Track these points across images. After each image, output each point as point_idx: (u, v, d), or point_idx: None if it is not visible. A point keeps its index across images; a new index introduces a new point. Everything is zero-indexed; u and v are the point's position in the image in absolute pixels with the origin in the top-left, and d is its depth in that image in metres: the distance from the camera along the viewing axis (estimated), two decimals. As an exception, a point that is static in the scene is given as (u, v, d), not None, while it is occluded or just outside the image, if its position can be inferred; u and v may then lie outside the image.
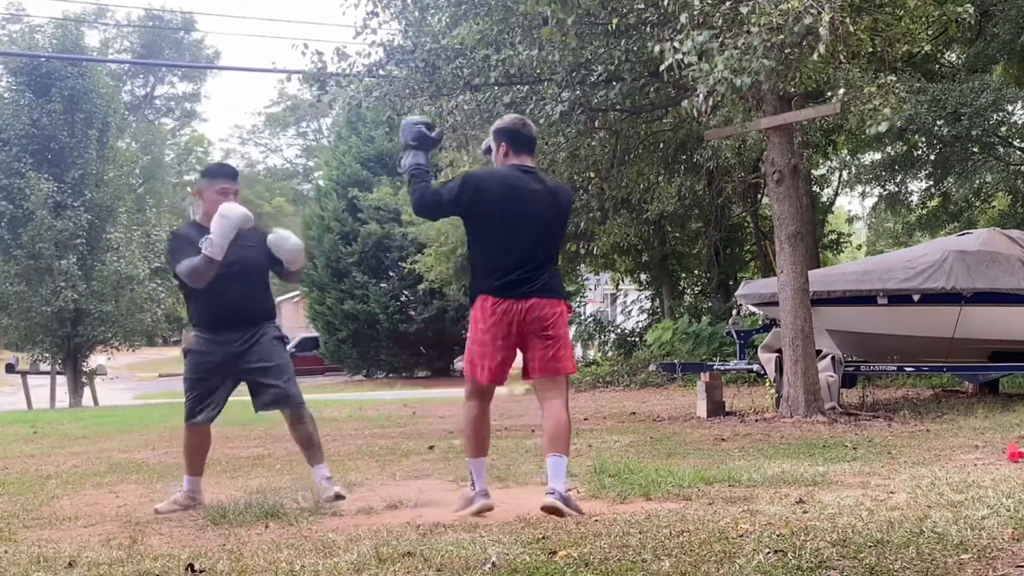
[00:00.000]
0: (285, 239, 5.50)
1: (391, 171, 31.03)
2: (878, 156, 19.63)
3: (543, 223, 5.03)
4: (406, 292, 31.11)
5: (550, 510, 4.61)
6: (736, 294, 13.30)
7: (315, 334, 35.59)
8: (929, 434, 8.19)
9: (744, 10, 8.11)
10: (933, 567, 3.40)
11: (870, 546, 3.69)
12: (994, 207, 20.34)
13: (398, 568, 3.63)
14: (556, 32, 9.73)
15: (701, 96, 8.43)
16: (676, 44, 8.34)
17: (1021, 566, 3.39)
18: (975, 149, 16.83)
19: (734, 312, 15.19)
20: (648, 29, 9.59)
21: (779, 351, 10.40)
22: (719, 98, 8.61)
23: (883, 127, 8.52)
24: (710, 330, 17.29)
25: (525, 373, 5.03)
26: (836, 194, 23.57)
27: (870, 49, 9.69)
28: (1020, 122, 16.80)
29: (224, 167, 5.96)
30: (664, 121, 13.11)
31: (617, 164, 13.16)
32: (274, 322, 5.71)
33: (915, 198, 20.05)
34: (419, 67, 10.70)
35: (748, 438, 8.41)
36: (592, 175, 13.34)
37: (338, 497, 5.28)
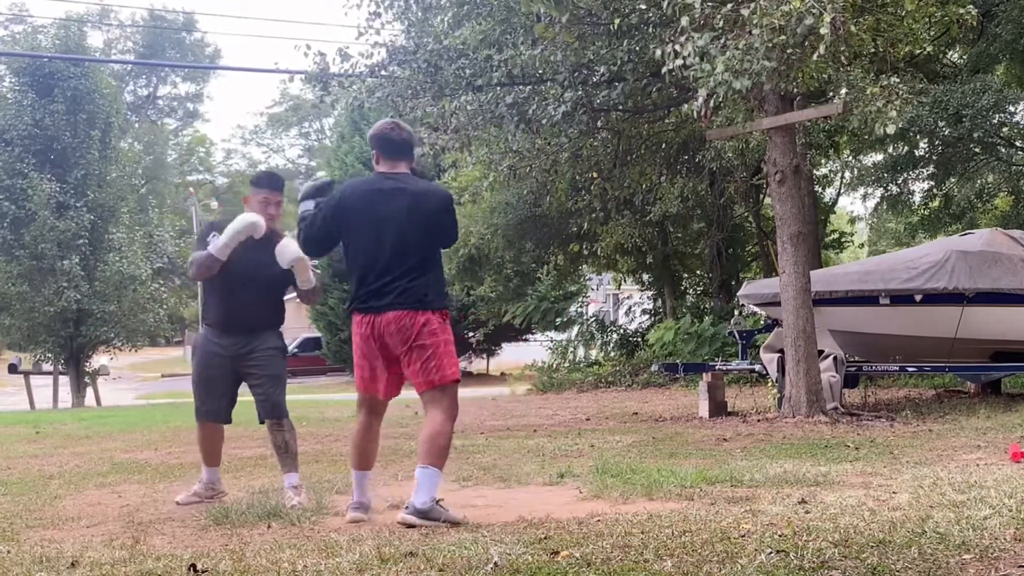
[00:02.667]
0: (284, 247, 5.51)
1: (393, 171, 30.99)
2: (880, 157, 19.61)
3: (403, 230, 4.83)
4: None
5: (404, 525, 4.59)
6: (738, 294, 13.28)
7: (317, 334, 35.59)
8: (931, 434, 8.18)
9: (745, 12, 8.11)
10: (935, 567, 3.40)
11: (872, 546, 3.70)
12: (996, 208, 20.32)
13: (400, 568, 3.64)
14: (551, 30, 9.74)
15: (701, 99, 8.43)
16: (677, 47, 8.34)
17: (1023, 566, 3.39)
18: (977, 150, 16.82)
19: (736, 312, 15.19)
20: (650, 30, 9.59)
21: (781, 351, 10.39)
22: (720, 100, 8.61)
23: (890, 129, 8.51)
24: (712, 330, 17.28)
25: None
26: (838, 194, 23.57)
27: (872, 50, 9.68)
28: (1022, 123, 16.79)
29: (269, 177, 6.01)
30: (666, 121, 13.11)
31: (619, 164, 13.15)
32: (277, 332, 5.76)
33: (917, 199, 20.03)
34: (421, 68, 10.70)
35: (750, 438, 8.41)
36: (594, 175, 13.35)
37: (297, 507, 5.21)
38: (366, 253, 4.86)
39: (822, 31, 7.76)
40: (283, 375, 5.71)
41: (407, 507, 4.68)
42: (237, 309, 5.59)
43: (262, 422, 5.66)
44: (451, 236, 5.13)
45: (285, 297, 5.91)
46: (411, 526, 4.56)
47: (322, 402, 18.86)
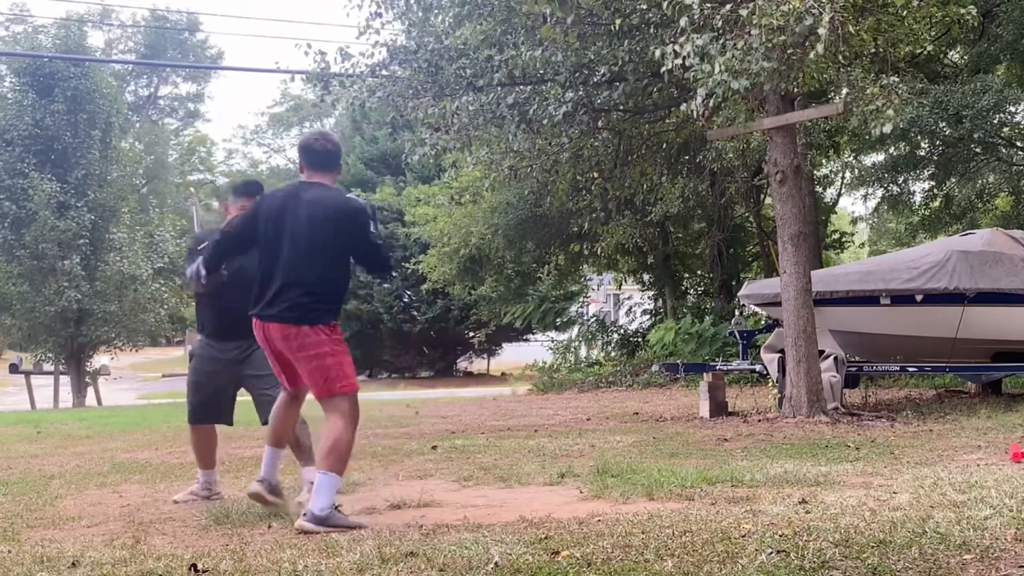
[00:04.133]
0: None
1: (394, 171, 31.05)
2: (881, 157, 19.60)
3: (305, 241, 4.80)
4: (409, 292, 31.13)
5: (303, 532, 4.57)
6: (739, 294, 13.28)
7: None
8: (932, 434, 8.18)
9: (744, 12, 8.11)
10: (936, 567, 3.41)
11: (873, 546, 3.70)
12: (996, 208, 20.31)
13: (401, 568, 3.64)
14: (556, 31, 9.73)
15: (700, 98, 8.43)
16: (676, 48, 8.34)
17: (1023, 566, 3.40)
18: (977, 150, 16.81)
19: (737, 312, 15.20)
20: (651, 30, 9.58)
21: (782, 351, 10.39)
22: (719, 100, 8.60)
23: (887, 128, 8.51)
24: (713, 330, 17.28)
25: None
26: (839, 194, 23.56)
27: (872, 50, 9.68)
28: (1022, 123, 16.77)
29: (249, 186, 6.05)
30: (667, 122, 13.11)
31: (620, 164, 13.15)
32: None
33: (918, 199, 20.03)
34: (422, 67, 10.70)
35: (751, 438, 8.41)
36: (595, 175, 13.34)
37: (299, 504, 5.18)
38: (268, 259, 4.88)
39: (821, 31, 7.76)
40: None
41: (304, 514, 4.64)
42: (229, 314, 5.57)
43: (265, 423, 5.63)
44: (369, 255, 5.05)
45: None
46: (308, 533, 4.52)
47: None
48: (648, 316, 22.79)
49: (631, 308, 23.59)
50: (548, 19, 9.76)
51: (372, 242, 4.99)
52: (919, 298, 10.74)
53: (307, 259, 4.80)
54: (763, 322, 13.40)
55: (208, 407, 5.80)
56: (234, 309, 5.47)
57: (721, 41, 8.22)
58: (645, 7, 9.39)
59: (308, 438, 5.71)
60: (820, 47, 7.88)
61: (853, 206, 58.31)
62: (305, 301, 4.77)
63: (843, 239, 23.43)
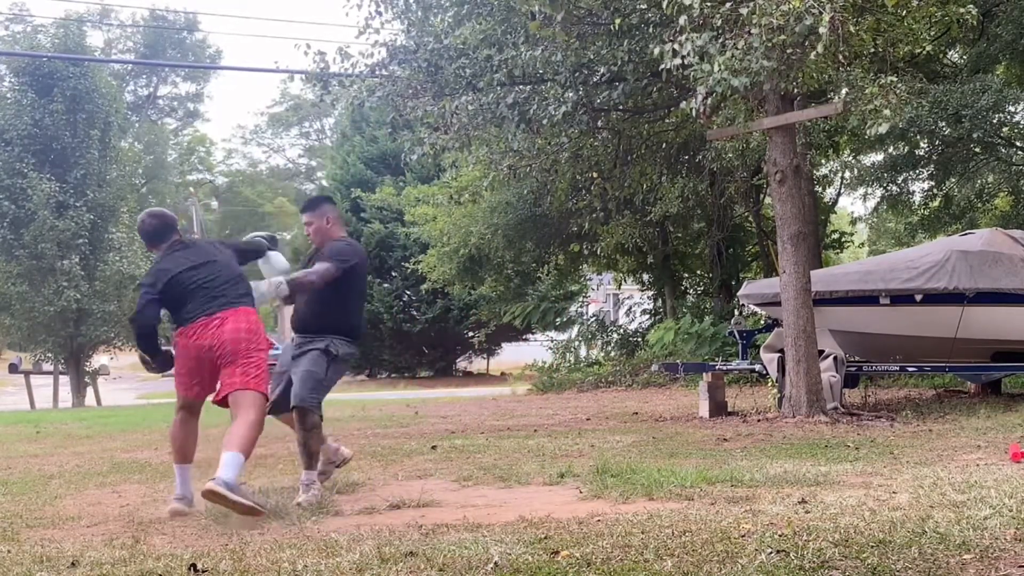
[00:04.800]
0: (264, 280, 6.01)
1: (394, 171, 31.03)
2: (880, 157, 19.60)
3: (197, 274, 5.55)
4: (409, 292, 31.13)
5: (205, 494, 4.85)
6: (738, 294, 13.28)
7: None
8: (931, 434, 8.18)
9: (744, 11, 8.11)
10: (935, 567, 3.40)
11: (872, 546, 3.70)
12: (996, 208, 20.30)
13: (400, 568, 3.64)
14: (546, 28, 9.72)
15: (699, 97, 8.43)
16: (676, 47, 8.34)
17: (1023, 566, 3.39)
18: (977, 150, 16.80)
19: (736, 312, 15.19)
20: (651, 30, 9.58)
21: (781, 351, 10.39)
22: (719, 99, 8.60)
23: (883, 128, 8.51)
24: (712, 330, 17.28)
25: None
26: (838, 194, 23.55)
27: (872, 49, 9.68)
28: (1022, 123, 16.77)
29: (306, 201, 6.57)
30: (667, 121, 13.10)
31: (620, 164, 13.15)
32: (333, 336, 6.00)
33: (917, 198, 20.01)
34: (422, 67, 10.70)
35: (750, 438, 8.41)
36: (595, 175, 13.34)
37: (297, 506, 5.35)
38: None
39: (821, 31, 7.76)
40: (318, 375, 5.86)
41: (215, 479, 4.87)
42: (296, 314, 6.17)
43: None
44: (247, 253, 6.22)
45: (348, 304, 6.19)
46: (216, 494, 4.77)
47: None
48: (648, 316, 22.79)
49: (631, 308, 23.59)
50: (537, 16, 9.75)
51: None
52: (919, 298, 10.74)
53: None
54: (763, 322, 13.39)
55: (281, 392, 6.05)
56: (299, 311, 6.14)
57: (721, 40, 8.22)
58: (644, 7, 9.39)
59: (315, 445, 5.82)
60: (820, 47, 7.88)
61: (852, 206, 58.35)
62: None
63: (843, 239, 23.42)
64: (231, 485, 4.84)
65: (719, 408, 10.75)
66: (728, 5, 8.28)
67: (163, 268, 5.58)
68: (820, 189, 20.07)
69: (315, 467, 5.74)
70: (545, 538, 4.09)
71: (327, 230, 6.24)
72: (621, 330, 22.47)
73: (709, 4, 8.30)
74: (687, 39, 8.25)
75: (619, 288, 25.40)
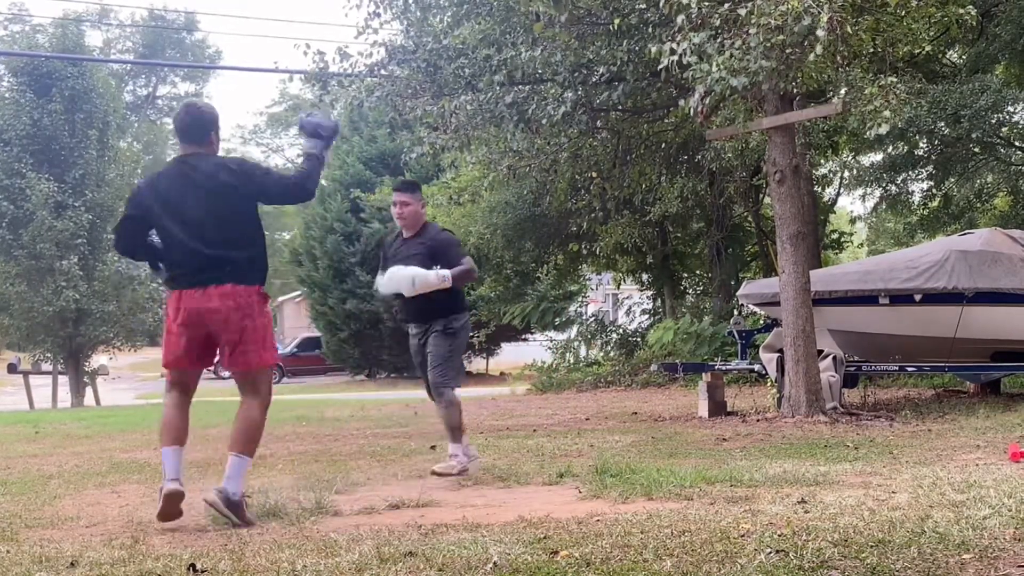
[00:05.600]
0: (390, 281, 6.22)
1: (394, 171, 30.99)
2: (879, 157, 19.61)
3: (198, 211, 4.90)
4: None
5: (207, 502, 4.76)
6: (738, 294, 13.27)
7: (317, 334, 35.58)
8: (931, 434, 8.18)
9: (743, 11, 8.11)
10: (935, 567, 3.40)
11: (872, 546, 3.70)
12: (995, 207, 20.32)
13: (400, 568, 3.64)
14: (549, 29, 9.72)
15: (698, 96, 8.42)
16: (674, 46, 8.34)
17: (1023, 566, 3.39)
18: (976, 150, 16.81)
19: (736, 312, 15.18)
20: (650, 30, 9.58)
21: (781, 351, 10.39)
22: (717, 98, 8.59)
23: (883, 129, 8.51)
24: (712, 330, 17.27)
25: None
26: (837, 194, 23.56)
27: (871, 49, 9.68)
28: (1021, 123, 16.78)
29: (398, 182, 6.83)
30: (666, 121, 13.10)
31: (619, 164, 13.15)
32: (447, 317, 6.34)
33: (916, 198, 20.03)
34: (421, 67, 10.70)
35: (750, 438, 8.41)
36: (594, 175, 13.34)
37: (457, 471, 6.06)
38: (169, 237, 5.04)
39: (819, 31, 7.76)
40: (446, 353, 6.33)
41: (219, 490, 4.78)
42: (407, 304, 6.35)
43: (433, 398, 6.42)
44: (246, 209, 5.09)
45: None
46: (213, 505, 4.72)
47: (322, 402, 18.86)
48: (647, 316, 22.79)
49: (631, 308, 23.57)
50: (541, 17, 9.75)
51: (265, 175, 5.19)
52: (918, 298, 10.74)
53: (219, 225, 4.90)
54: (762, 322, 13.39)
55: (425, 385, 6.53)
56: (410, 301, 6.29)
57: (719, 40, 8.22)
58: (644, 7, 9.39)
59: (457, 419, 6.37)
60: (819, 47, 7.88)
61: (852, 205, 58.29)
62: (232, 265, 4.92)
63: (842, 239, 23.43)
64: (233, 502, 4.77)
65: (718, 408, 10.75)
66: (727, 5, 8.28)
67: None
68: (819, 189, 20.08)
69: (459, 440, 6.31)
70: (544, 538, 4.08)
71: (421, 214, 6.45)
72: (620, 330, 22.46)
73: (707, 4, 8.31)
74: (684, 38, 8.25)
75: (618, 288, 25.39)
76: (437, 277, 6.07)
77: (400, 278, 6.17)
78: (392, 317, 30.73)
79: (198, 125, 5.10)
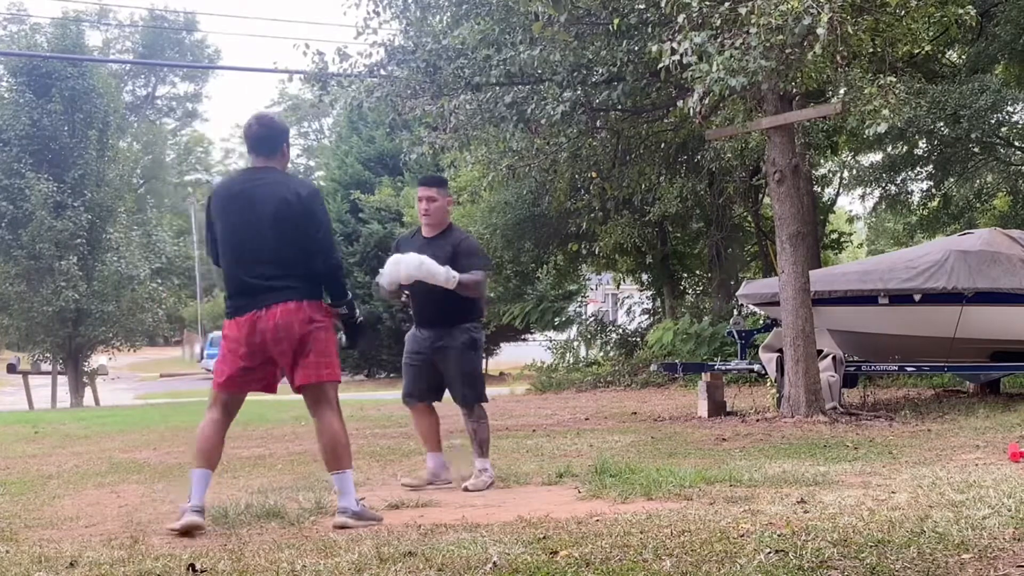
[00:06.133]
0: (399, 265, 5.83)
1: (392, 171, 31.01)
2: (879, 157, 19.61)
3: (261, 227, 4.76)
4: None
5: (340, 527, 4.67)
6: (737, 294, 13.27)
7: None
8: (930, 434, 8.18)
9: (743, 11, 8.11)
10: (934, 567, 3.40)
11: (871, 546, 3.69)
12: (995, 208, 20.32)
13: (399, 568, 3.63)
14: (548, 29, 9.73)
15: (697, 96, 8.42)
16: (675, 46, 8.34)
17: (1022, 566, 3.39)
18: (975, 150, 16.81)
19: (735, 312, 15.17)
20: (649, 30, 9.58)
21: (780, 351, 10.39)
22: (716, 98, 8.59)
23: (882, 128, 8.52)
24: (711, 330, 17.26)
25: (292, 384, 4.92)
26: (837, 194, 23.57)
27: (871, 49, 9.68)
28: (1021, 123, 16.78)
29: (425, 176, 6.49)
30: (666, 121, 13.10)
31: (618, 164, 13.14)
32: (466, 324, 6.00)
33: (916, 198, 20.03)
34: (420, 67, 10.69)
35: (749, 438, 8.41)
36: (593, 175, 13.33)
37: (488, 486, 5.83)
38: (232, 252, 4.91)
39: (819, 31, 7.76)
40: (476, 367, 6.12)
41: (343, 511, 4.76)
42: (424, 305, 6.01)
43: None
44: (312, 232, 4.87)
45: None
46: (347, 527, 4.64)
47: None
48: (647, 316, 22.79)
49: (631, 307, 23.57)
50: (540, 17, 9.75)
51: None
52: (917, 298, 10.73)
53: (283, 244, 4.79)
54: (761, 322, 13.39)
55: (410, 386, 6.14)
56: (423, 300, 5.99)
57: (719, 40, 8.22)
58: (643, 6, 9.39)
59: (484, 432, 6.05)
60: (818, 47, 7.88)
61: (851, 205, 58.33)
62: (295, 283, 4.83)
63: (841, 239, 23.44)
64: (358, 512, 4.79)
65: (718, 408, 10.75)
66: (727, 4, 8.28)
67: None
68: (819, 189, 20.08)
69: (487, 454, 6.02)
70: (544, 538, 4.08)
71: (446, 213, 6.12)
72: (620, 330, 22.46)
73: (708, 3, 8.30)
74: (685, 37, 8.25)
75: (618, 288, 25.39)
76: (446, 273, 5.71)
77: (407, 262, 5.80)
78: (392, 317, 30.74)
79: (270, 137, 4.98)
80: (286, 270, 4.77)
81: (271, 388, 4.98)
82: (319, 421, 4.88)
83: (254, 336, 4.74)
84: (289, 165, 5.14)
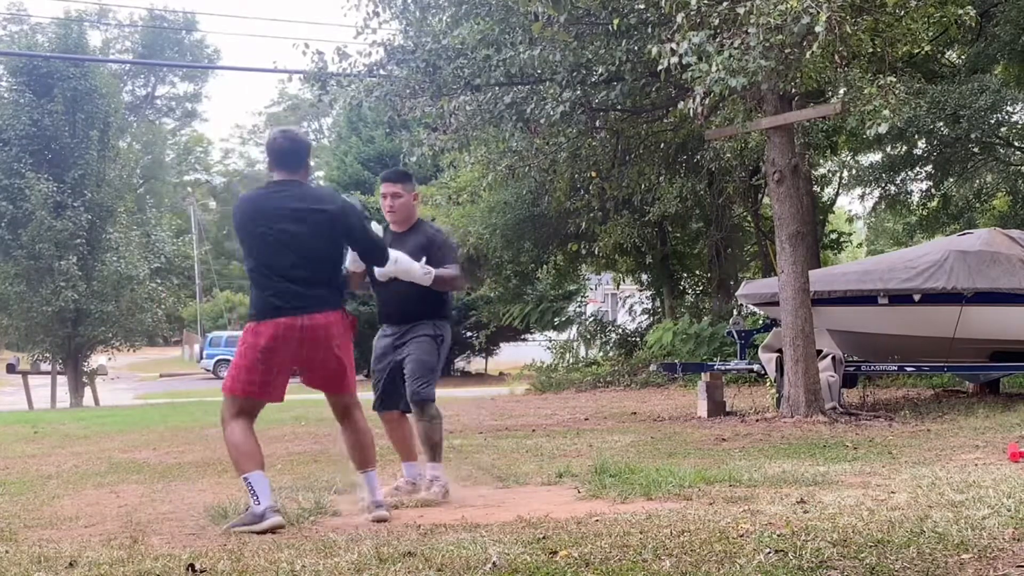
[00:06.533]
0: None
1: (392, 171, 30.97)
2: (878, 157, 19.62)
3: (299, 241, 4.82)
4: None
5: (379, 520, 4.82)
6: (737, 294, 13.28)
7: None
8: (930, 434, 8.18)
9: (741, 11, 8.11)
10: (934, 567, 3.40)
11: (871, 546, 3.69)
12: (994, 208, 20.32)
13: (399, 568, 3.63)
14: (548, 29, 9.73)
15: (698, 97, 8.43)
16: (674, 46, 8.34)
17: (1022, 566, 3.39)
18: (975, 150, 16.81)
19: (735, 312, 15.18)
20: (649, 29, 9.58)
21: (780, 351, 10.39)
22: (716, 98, 8.59)
23: (882, 128, 8.52)
24: (711, 330, 17.27)
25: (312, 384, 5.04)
26: (837, 194, 23.59)
27: (870, 49, 9.68)
28: (1020, 123, 16.78)
29: (388, 172, 6.14)
30: (665, 121, 13.10)
31: (618, 164, 13.14)
32: (434, 320, 5.75)
33: (915, 198, 20.03)
34: (420, 67, 10.69)
35: (749, 438, 8.41)
36: (593, 175, 13.33)
37: (443, 496, 5.49)
38: (266, 264, 4.91)
39: (818, 30, 7.77)
40: (433, 362, 5.70)
41: (379, 505, 4.92)
42: (388, 301, 5.78)
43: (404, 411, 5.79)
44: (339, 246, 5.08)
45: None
46: (383, 519, 4.81)
47: (321, 402, 18.81)
48: (646, 316, 22.79)
49: (632, 306, 23.57)
50: (540, 17, 9.75)
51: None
52: (917, 298, 10.74)
53: (315, 259, 4.89)
54: (761, 322, 13.39)
55: (377, 390, 5.92)
56: (391, 295, 5.72)
57: (718, 40, 8.23)
58: (643, 6, 9.39)
59: (436, 434, 5.69)
60: (817, 47, 7.88)
61: (850, 205, 58.35)
62: (327, 295, 4.95)
63: (841, 239, 23.45)
64: (387, 504, 5.04)
65: (717, 408, 10.75)
66: (725, 4, 8.28)
67: None
68: (818, 189, 20.09)
69: (439, 459, 5.64)
70: (543, 538, 4.08)
71: (413, 208, 5.87)
72: (620, 330, 22.47)
73: (707, 3, 8.30)
74: (684, 37, 8.25)
75: (617, 288, 25.39)
76: (421, 269, 5.51)
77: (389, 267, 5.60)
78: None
79: (295, 152, 5.05)
80: (325, 282, 4.89)
81: (282, 397, 5.04)
82: (355, 421, 5.09)
83: (291, 343, 4.77)
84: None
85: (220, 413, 4.92)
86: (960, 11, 9.36)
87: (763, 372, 11.33)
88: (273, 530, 4.57)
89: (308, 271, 4.82)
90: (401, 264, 5.47)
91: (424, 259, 5.58)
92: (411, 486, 5.69)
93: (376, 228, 5.44)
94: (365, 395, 5.41)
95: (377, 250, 5.22)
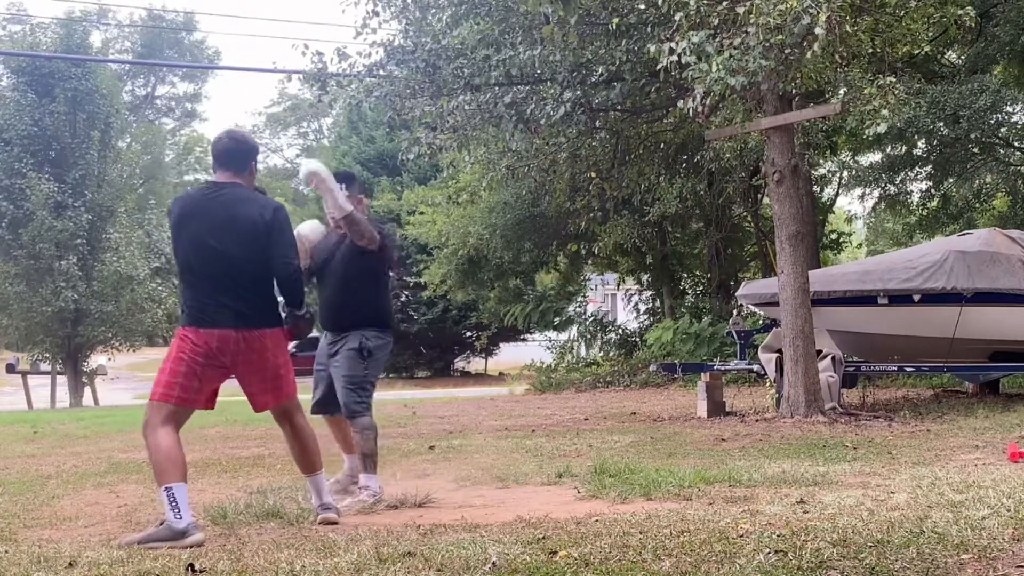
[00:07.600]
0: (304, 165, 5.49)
1: (391, 171, 31.01)
2: (878, 157, 19.62)
3: (226, 250, 4.64)
4: (407, 292, 31.12)
5: (328, 523, 4.82)
6: (737, 294, 13.28)
7: (317, 334, 35.54)
8: (929, 434, 8.18)
9: (741, 10, 8.11)
10: (933, 567, 3.40)
11: (870, 546, 3.69)
12: (994, 208, 20.32)
13: (398, 568, 3.63)
14: (558, 31, 9.72)
15: (698, 97, 8.43)
16: (673, 45, 8.34)
17: (1022, 566, 3.39)
18: (975, 150, 16.81)
19: (735, 312, 15.18)
20: (649, 29, 9.58)
21: (779, 351, 10.39)
22: (716, 98, 8.59)
23: (882, 128, 8.53)
24: (711, 330, 17.28)
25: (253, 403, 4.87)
26: (836, 194, 23.58)
27: (870, 50, 9.69)
28: (1020, 123, 16.78)
29: (345, 173, 6.03)
30: (665, 121, 13.10)
31: (618, 164, 13.14)
32: (365, 329, 5.61)
33: (915, 199, 20.03)
34: (419, 67, 10.69)
35: (748, 438, 8.41)
36: (593, 175, 13.33)
37: (371, 504, 5.39)
38: (193, 269, 4.77)
39: (818, 30, 7.77)
40: (360, 375, 5.59)
41: (327, 507, 4.90)
42: (322, 306, 5.73)
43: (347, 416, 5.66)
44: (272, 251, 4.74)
45: (378, 293, 5.76)
46: (333, 522, 4.81)
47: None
48: (646, 316, 22.79)
49: (636, 304, 23.55)
50: (550, 19, 9.75)
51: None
52: (917, 298, 10.74)
53: (244, 264, 4.69)
54: (761, 322, 13.39)
55: (316, 392, 5.85)
56: (323, 300, 5.74)
57: (718, 39, 8.23)
58: (643, 7, 9.39)
59: (368, 444, 5.58)
60: (817, 47, 7.88)
61: (850, 205, 58.37)
62: (255, 304, 4.75)
63: (841, 239, 23.44)
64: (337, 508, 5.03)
65: (717, 408, 10.75)
66: (725, 4, 8.28)
67: None
68: (818, 189, 20.09)
69: (371, 470, 5.54)
70: (543, 538, 4.08)
71: (359, 210, 5.74)
72: (620, 330, 22.47)
73: (706, 3, 8.31)
74: (683, 37, 8.25)
75: (618, 288, 25.39)
76: (343, 194, 5.41)
77: (308, 162, 5.53)
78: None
79: (240, 152, 4.87)
80: (256, 292, 4.70)
81: (213, 404, 4.86)
82: (296, 426, 4.89)
83: (223, 355, 4.63)
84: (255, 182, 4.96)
85: (144, 419, 4.64)
86: (960, 11, 9.36)
87: (763, 372, 11.33)
88: (196, 548, 4.31)
89: (236, 281, 4.64)
90: (330, 177, 5.39)
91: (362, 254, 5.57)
92: (350, 478, 5.78)
93: (318, 226, 5.42)
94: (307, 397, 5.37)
95: (293, 286, 4.78)
